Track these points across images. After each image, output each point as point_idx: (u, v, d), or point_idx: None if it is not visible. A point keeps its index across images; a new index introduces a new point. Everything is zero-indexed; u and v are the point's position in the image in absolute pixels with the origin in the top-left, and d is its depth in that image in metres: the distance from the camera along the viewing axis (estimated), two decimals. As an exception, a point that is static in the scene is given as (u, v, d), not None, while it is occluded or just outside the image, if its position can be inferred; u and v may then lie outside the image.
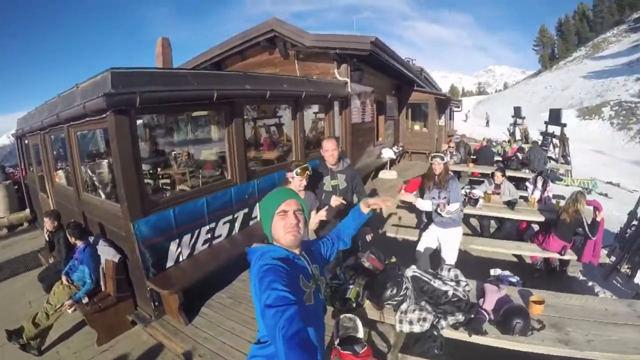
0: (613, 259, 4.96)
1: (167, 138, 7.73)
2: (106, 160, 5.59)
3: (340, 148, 7.66)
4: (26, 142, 7.91)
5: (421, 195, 3.91)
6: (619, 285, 4.65)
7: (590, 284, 4.57)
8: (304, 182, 3.05)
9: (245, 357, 1.47)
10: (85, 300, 3.76)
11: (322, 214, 2.88)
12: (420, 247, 3.95)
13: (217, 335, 3.50)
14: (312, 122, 8.45)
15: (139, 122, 6.13)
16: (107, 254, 3.92)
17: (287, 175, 3.09)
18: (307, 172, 3.02)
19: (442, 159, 3.68)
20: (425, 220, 4.48)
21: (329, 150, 3.33)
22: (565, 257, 4.39)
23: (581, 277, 4.70)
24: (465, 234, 5.45)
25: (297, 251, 1.50)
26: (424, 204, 3.77)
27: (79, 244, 3.95)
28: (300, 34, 7.45)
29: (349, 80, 7.71)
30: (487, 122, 32.09)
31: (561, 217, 4.28)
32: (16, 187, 9.21)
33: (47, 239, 4.63)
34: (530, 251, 4.61)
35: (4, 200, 8.68)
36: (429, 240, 3.91)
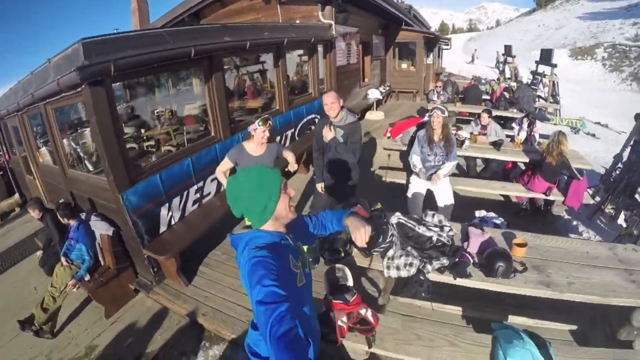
0: (598, 199, 5.07)
1: (149, 96, 7.50)
2: (88, 130, 5.40)
3: (326, 91, 7.62)
4: (5, 123, 7.66)
5: (411, 145, 3.89)
6: (602, 225, 4.78)
7: (574, 223, 4.71)
8: (267, 134, 3.04)
9: (247, 317, 1.49)
10: (87, 277, 3.83)
11: (291, 159, 3.04)
12: (411, 199, 3.99)
13: (217, 293, 3.67)
14: (296, 66, 8.25)
15: (118, 83, 5.94)
16: (100, 228, 3.95)
17: (249, 129, 3.07)
18: (269, 122, 3.00)
19: (443, 112, 3.59)
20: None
21: (328, 104, 3.27)
22: (550, 198, 4.49)
23: (566, 216, 4.83)
24: (452, 174, 5.58)
25: (284, 230, 1.45)
26: (416, 163, 3.77)
27: (72, 222, 3.97)
28: None
29: (333, 22, 7.47)
30: (473, 59, 31.31)
31: (546, 160, 4.32)
32: (1, 172, 9.06)
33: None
34: (515, 191, 4.70)
35: (-9, 188, 8.59)
36: (418, 190, 3.94)
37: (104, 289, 3.81)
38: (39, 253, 5.08)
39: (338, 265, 2.30)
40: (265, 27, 5.66)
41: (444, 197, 3.85)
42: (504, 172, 5.77)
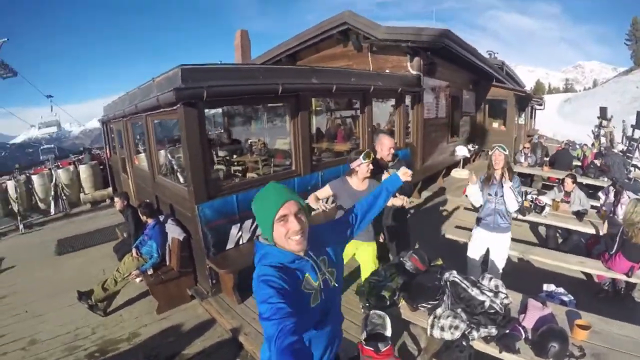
0: None
1: (246, 126, 8.12)
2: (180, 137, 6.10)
3: (412, 143, 7.64)
4: (111, 126, 8.79)
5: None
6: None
7: None
8: (371, 167, 3.05)
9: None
10: (151, 271, 4.22)
11: (398, 201, 3.13)
12: (471, 255, 3.83)
13: (264, 317, 3.76)
14: (389, 115, 8.31)
15: (219, 111, 6.49)
16: (174, 232, 4.36)
17: (351, 166, 3.09)
18: (372, 156, 3.04)
19: (504, 149, 3.42)
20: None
21: (390, 147, 3.40)
22: (633, 280, 3.99)
23: (649, 303, 4.22)
24: (528, 242, 5.20)
25: (301, 253, 1.42)
26: (474, 194, 3.61)
27: (150, 221, 4.44)
28: (372, 26, 7.39)
29: (422, 74, 7.54)
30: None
31: (628, 235, 3.88)
32: (101, 167, 10.35)
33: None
34: (594, 269, 4.23)
35: (89, 178, 9.86)
36: (478, 246, 3.77)
37: (163, 286, 4.15)
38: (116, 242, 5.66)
39: (379, 312, 2.29)
40: (352, 72, 5.90)
41: (499, 255, 3.64)
42: (587, 246, 5.25)
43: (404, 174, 2.07)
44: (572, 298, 3.37)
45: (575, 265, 4.35)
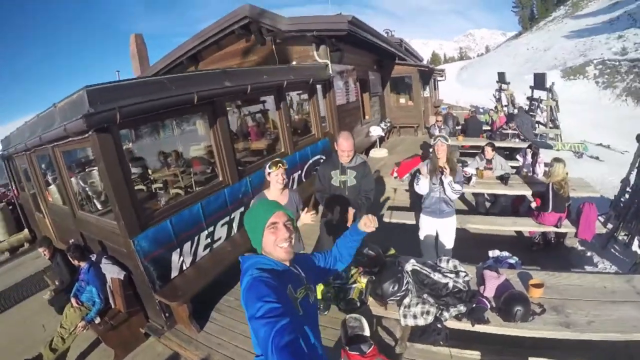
0: (610, 226, 5.01)
1: (154, 136, 7.58)
2: (96, 169, 5.43)
3: (329, 132, 7.64)
4: (13, 162, 7.80)
5: (414, 177, 3.83)
6: (617, 253, 4.69)
7: (588, 254, 4.61)
8: (282, 177, 2.88)
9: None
10: (98, 320, 3.82)
11: (308, 218, 2.81)
12: (423, 242, 3.94)
13: (230, 340, 3.58)
14: (296, 104, 8.34)
15: None
16: (111, 272, 3.95)
17: (265, 177, 2.97)
18: (281, 164, 2.87)
19: (446, 139, 3.53)
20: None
21: (346, 150, 3.18)
22: (562, 230, 4.46)
23: (579, 247, 4.75)
24: (461, 211, 5.50)
25: (287, 263, 1.49)
26: (424, 186, 3.64)
27: (82, 265, 3.99)
28: (274, 18, 7.27)
29: (329, 61, 7.59)
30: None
31: (557, 191, 4.30)
32: (10, 207, 9.14)
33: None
34: (526, 226, 4.67)
35: (1, 224, 8.67)
36: (427, 232, 3.89)
37: (114, 332, 3.78)
38: (48, 293, 5.06)
39: (355, 315, 2.28)
40: (264, 70, 5.77)
41: (447, 239, 3.80)
42: (513, 206, 5.76)
43: (366, 225, 1.79)
44: (518, 259, 3.64)
45: (510, 226, 4.76)
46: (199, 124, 7.01)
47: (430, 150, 3.79)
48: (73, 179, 5.00)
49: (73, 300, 3.91)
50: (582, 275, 2.73)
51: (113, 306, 4.02)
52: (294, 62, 7.51)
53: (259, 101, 7.93)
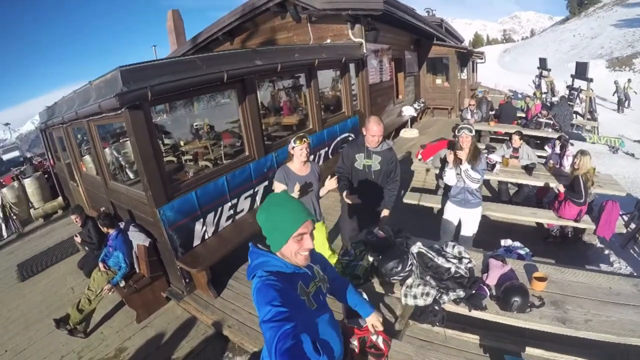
0: (633, 226, 4.83)
1: (188, 108, 7.78)
2: (129, 141, 5.75)
3: (359, 110, 7.61)
4: (50, 133, 8.21)
5: (444, 166, 3.79)
6: (635, 255, 4.57)
7: (606, 252, 4.53)
8: (305, 151, 3.05)
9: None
10: (123, 283, 4.09)
11: (333, 183, 3.00)
12: (443, 228, 3.98)
13: (244, 306, 3.83)
14: (332, 81, 8.29)
15: None
16: (138, 239, 4.22)
17: (288, 150, 3.13)
18: (305, 139, 3.02)
19: (470, 130, 3.48)
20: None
21: (376, 135, 3.12)
22: (581, 226, 4.38)
23: (598, 245, 4.65)
24: (483, 198, 5.48)
25: (298, 264, 1.46)
26: (450, 177, 3.67)
27: (111, 231, 4.26)
28: None
29: (363, 40, 7.54)
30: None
31: (585, 183, 4.18)
32: (46, 176, 9.64)
33: (78, 241, 4.91)
34: (545, 218, 4.59)
35: (37, 191, 9.15)
36: (450, 219, 3.92)
37: (137, 295, 4.05)
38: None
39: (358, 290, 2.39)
40: (295, 48, 5.83)
41: (469, 228, 3.81)
42: (537, 196, 5.65)
43: (374, 327, 1.90)
44: (529, 250, 3.62)
45: (528, 216, 4.70)
46: (233, 98, 7.15)
47: (454, 138, 3.76)
48: (107, 149, 5.28)
49: (101, 265, 4.20)
50: (589, 273, 2.67)
51: (138, 271, 4.31)
52: (328, 40, 7.50)
53: (294, 77, 7.96)
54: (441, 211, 4.12)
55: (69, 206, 8.74)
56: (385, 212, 3.37)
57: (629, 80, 19.04)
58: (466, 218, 3.81)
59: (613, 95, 18.40)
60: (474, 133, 3.52)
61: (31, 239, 8.07)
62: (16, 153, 14.71)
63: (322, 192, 3.34)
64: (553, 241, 4.69)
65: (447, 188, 4.07)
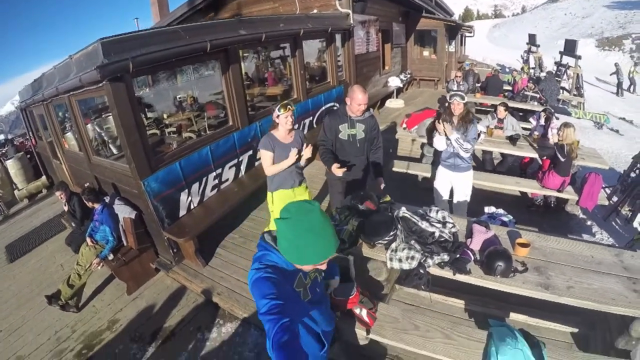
0: (615, 200, 4.94)
1: (171, 81, 7.65)
2: (111, 114, 5.65)
3: (344, 80, 7.54)
4: (31, 111, 8.01)
5: (430, 135, 3.85)
6: (617, 227, 4.70)
7: (588, 223, 4.64)
8: (291, 119, 3.06)
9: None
10: (111, 256, 4.11)
11: (308, 152, 3.04)
12: (437, 192, 4.03)
13: (232, 274, 3.90)
14: (317, 52, 8.18)
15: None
16: (123, 212, 4.20)
17: (273, 117, 3.12)
18: (289, 107, 3.03)
19: (462, 98, 3.52)
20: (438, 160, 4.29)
21: (362, 104, 3.07)
22: (564, 196, 4.47)
23: (581, 216, 4.76)
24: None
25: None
26: (439, 143, 3.71)
27: (97, 206, 4.23)
28: None
29: (350, 11, 7.45)
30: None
31: (565, 150, 4.26)
32: (28, 156, 9.48)
33: (66, 209, 4.89)
34: (528, 187, 4.68)
35: (19, 172, 9.02)
36: (442, 184, 3.98)
37: (126, 267, 4.07)
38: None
39: (341, 255, 2.41)
40: (281, 18, 5.71)
41: (462, 192, 3.87)
42: (521, 166, 5.76)
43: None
44: (512, 218, 3.70)
45: (512, 185, 4.77)
46: (217, 68, 7.04)
47: (445, 105, 3.77)
48: (89, 125, 5.18)
49: (88, 240, 4.18)
50: (571, 241, 2.68)
51: (125, 244, 4.31)
52: (315, 11, 7.36)
53: (279, 47, 7.83)
54: (427, 180, 4.15)
55: (53, 185, 8.63)
56: (381, 183, 3.40)
57: (635, 65, 19.12)
58: (458, 182, 3.86)
59: (610, 75, 18.56)
60: (465, 100, 3.55)
61: (17, 220, 7.99)
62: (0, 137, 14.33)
63: (302, 162, 3.33)
64: (536, 210, 4.80)
65: (437, 154, 4.12)
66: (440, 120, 3.66)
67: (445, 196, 4.02)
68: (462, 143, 3.51)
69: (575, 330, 2.79)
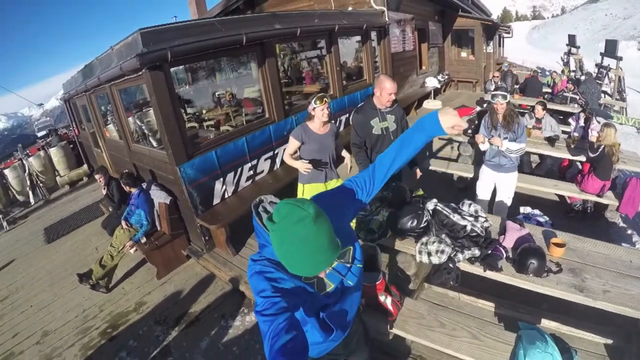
0: None
1: (210, 79, 7.87)
2: (152, 109, 5.86)
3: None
4: (74, 103, 8.42)
5: (476, 130, 3.76)
6: (660, 236, 4.41)
7: (629, 231, 4.37)
8: (327, 111, 3.05)
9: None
10: (144, 240, 4.25)
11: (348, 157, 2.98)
12: (479, 191, 3.96)
13: (261, 265, 3.93)
14: (355, 52, 8.11)
15: (181, 67, 6.34)
16: (159, 197, 4.36)
17: (309, 110, 3.11)
18: (325, 99, 3.01)
19: (505, 97, 3.44)
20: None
21: (393, 93, 2.99)
22: (604, 201, 4.27)
23: (621, 224, 4.51)
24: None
25: None
26: (484, 146, 3.66)
27: (133, 191, 4.40)
28: None
29: (385, 8, 7.44)
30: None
31: (605, 151, 4.07)
32: (71, 145, 10.00)
33: (104, 192, 5.06)
34: (567, 190, 4.48)
35: (62, 160, 9.51)
36: (485, 183, 3.90)
37: (158, 252, 4.21)
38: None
39: (370, 244, 2.41)
40: (315, 14, 5.75)
41: (504, 194, 3.75)
42: (560, 170, 5.53)
43: (452, 123, 1.39)
44: (548, 219, 3.57)
45: (550, 188, 4.57)
46: (254, 65, 7.17)
47: (485, 106, 3.70)
48: (130, 118, 5.41)
49: (123, 223, 4.35)
50: (609, 245, 2.55)
51: (159, 229, 4.46)
52: (350, 8, 7.37)
53: (316, 47, 7.88)
54: (462, 180, 4.05)
55: (93, 174, 8.99)
56: (418, 172, 3.35)
57: None
58: (501, 183, 3.76)
59: None
60: (508, 99, 3.45)
61: (57, 205, 8.41)
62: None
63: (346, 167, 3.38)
64: (574, 216, 4.58)
65: (479, 152, 4.04)
66: (481, 136, 3.62)
67: (487, 197, 3.91)
68: (512, 149, 3.43)
69: (610, 341, 2.61)
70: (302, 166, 3.07)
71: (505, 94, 3.47)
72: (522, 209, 3.80)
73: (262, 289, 1.16)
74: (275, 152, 4.94)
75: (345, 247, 1.37)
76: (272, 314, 1.09)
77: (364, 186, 1.45)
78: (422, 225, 2.45)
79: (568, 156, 4.97)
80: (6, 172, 8.63)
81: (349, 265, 1.39)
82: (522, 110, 8.82)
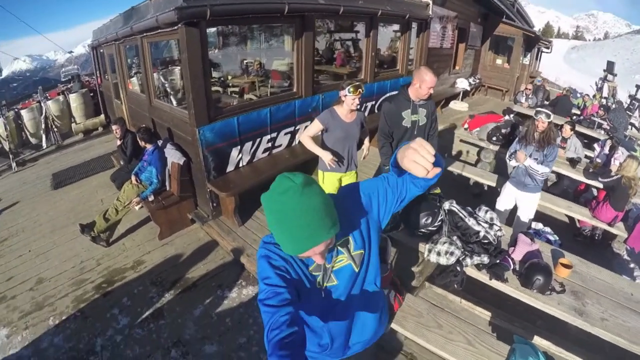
0: None
1: (240, 46, 7.81)
2: (178, 68, 5.82)
3: (414, 71, 7.43)
4: (101, 51, 8.35)
5: (509, 143, 3.70)
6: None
7: (632, 265, 4.34)
8: (357, 101, 2.98)
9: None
10: (151, 198, 4.23)
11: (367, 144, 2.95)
12: (498, 205, 3.92)
13: (266, 239, 3.92)
14: (390, 40, 8.10)
15: (213, 30, 6.24)
16: (173, 156, 4.33)
17: (340, 94, 3.05)
18: (360, 90, 2.95)
19: (548, 116, 3.36)
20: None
21: (432, 87, 2.95)
22: (614, 231, 4.21)
23: (625, 256, 4.48)
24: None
25: None
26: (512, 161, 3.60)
27: (148, 146, 4.35)
28: None
29: (431, 2, 7.32)
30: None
31: (622, 182, 4.01)
32: (92, 94, 9.92)
33: (118, 144, 5.05)
34: (579, 214, 4.41)
35: (80, 107, 9.46)
36: (506, 199, 3.86)
37: (164, 211, 4.20)
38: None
39: (382, 235, 2.39)
40: None
41: (525, 214, 3.71)
42: (575, 192, 5.45)
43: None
44: (557, 238, 3.54)
45: (563, 208, 4.50)
46: (287, 40, 6.95)
47: (512, 116, 3.61)
48: (155, 74, 5.37)
49: (133, 178, 4.31)
50: (613, 274, 2.59)
51: (168, 188, 4.44)
52: (396, -3, 7.27)
53: (352, 30, 7.83)
54: (477, 185, 3.98)
55: (109, 124, 8.94)
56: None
57: None
58: (522, 202, 3.71)
59: None
60: (551, 119, 3.38)
61: (69, 151, 8.41)
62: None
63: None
64: (582, 241, 4.56)
65: (502, 162, 4.03)
66: (523, 155, 3.50)
67: (506, 213, 3.88)
68: (535, 169, 3.37)
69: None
70: (327, 158, 3.02)
71: (549, 112, 3.39)
72: (533, 225, 3.76)
73: (266, 275, 1.14)
74: (297, 127, 4.89)
75: (345, 237, 1.27)
76: (274, 305, 1.05)
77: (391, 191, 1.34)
78: (436, 224, 2.44)
79: (586, 181, 4.88)
80: (23, 112, 8.59)
81: (357, 269, 1.30)
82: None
